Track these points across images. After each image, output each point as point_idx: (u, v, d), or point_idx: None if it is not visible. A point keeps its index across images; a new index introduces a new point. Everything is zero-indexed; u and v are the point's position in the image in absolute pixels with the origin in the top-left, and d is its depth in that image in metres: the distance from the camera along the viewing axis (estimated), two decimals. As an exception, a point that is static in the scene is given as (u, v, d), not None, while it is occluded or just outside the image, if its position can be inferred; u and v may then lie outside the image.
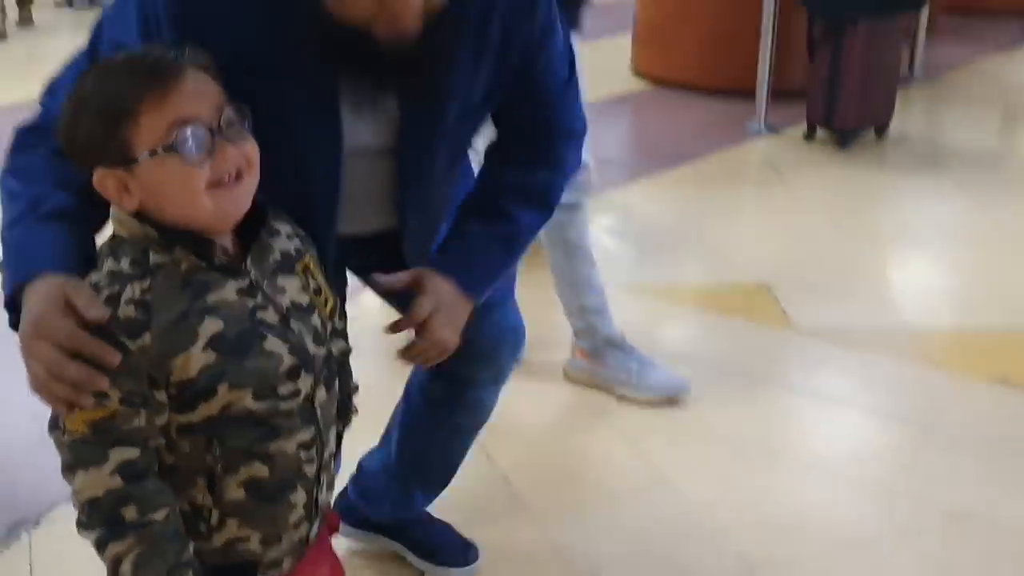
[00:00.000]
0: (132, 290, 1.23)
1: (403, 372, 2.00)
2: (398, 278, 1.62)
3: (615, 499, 2.46)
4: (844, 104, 5.13)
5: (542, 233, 2.20)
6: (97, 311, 1.21)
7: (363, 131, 1.53)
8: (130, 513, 1.23)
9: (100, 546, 1.25)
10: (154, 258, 1.25)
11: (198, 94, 1.24)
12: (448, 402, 1.99)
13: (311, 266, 1.41)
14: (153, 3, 1.39)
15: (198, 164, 1.23)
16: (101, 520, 1.24)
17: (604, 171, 4.90)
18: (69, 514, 2.36)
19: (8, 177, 1.41)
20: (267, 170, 1.32)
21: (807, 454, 2.70)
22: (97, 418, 1.22)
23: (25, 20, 7.66)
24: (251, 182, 1.29)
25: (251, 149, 1.29)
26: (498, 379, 1.98)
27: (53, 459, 2.56)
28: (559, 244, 2.89)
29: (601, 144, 5.33)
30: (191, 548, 1.28)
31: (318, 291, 1.40)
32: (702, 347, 3.27)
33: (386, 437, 2.14)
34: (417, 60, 1.40)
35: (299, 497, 1.36)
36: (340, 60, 1.41)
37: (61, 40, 7.53)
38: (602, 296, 2.94)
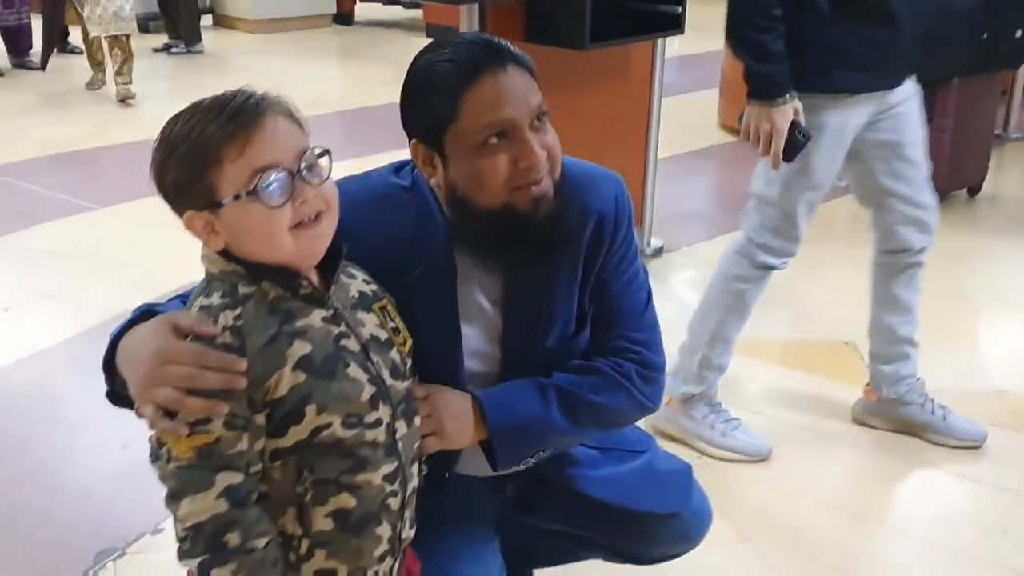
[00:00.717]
0: (225, 318, 1.29)
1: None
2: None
3: (694, 555, 2.43)
4: (936, 164, 5.03)
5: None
6: (209, 326, 1.28)
7: (476, 342, 1.64)
8: (234, 539, 1.27)
9: (203, 572, 1.28)
10: (243, 290, 1.32)
11: (280, 140, 1.30)
12: None
13: (389, 308, 1.46)
14: None
15: (279, 207, 1.29)
16: (205, 546, 1.27)
17: (689, 224, 4.91)
18: (154, 545, 2.44)
19: None
20: None
21: (892, 517, 2.64)
22: (203, 444, 1.27)
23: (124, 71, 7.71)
24: (330, 222, 1.35)
25: (330, 191, 1.34)
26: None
27: (139, 490, 2.64)
28: (729, 292, 2.87)
29: (686, 197, 5.35)
30: None
31: (396, 331, 1.45)
32: (786, 403, 3.22)
33: None
34: (556, 222, 1.54)
35: (384, 531, 1.40)
36: (490, 243, 1.55)
37: (159, 84, 7.79)
38: (727, 359, 2.92)
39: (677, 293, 4.22)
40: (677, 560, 2.37)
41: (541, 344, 1.68)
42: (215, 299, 1.31)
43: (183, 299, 1.48)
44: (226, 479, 1.27)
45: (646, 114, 4.28)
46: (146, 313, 1.40)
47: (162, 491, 2.74)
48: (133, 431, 2.92)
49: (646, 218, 4.44)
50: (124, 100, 6.96)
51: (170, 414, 1.27)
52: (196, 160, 1.28)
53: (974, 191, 5.31)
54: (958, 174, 5.14)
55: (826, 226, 5.01)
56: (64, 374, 3.43)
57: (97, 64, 7.40)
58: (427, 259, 1.55)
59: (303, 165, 1.31)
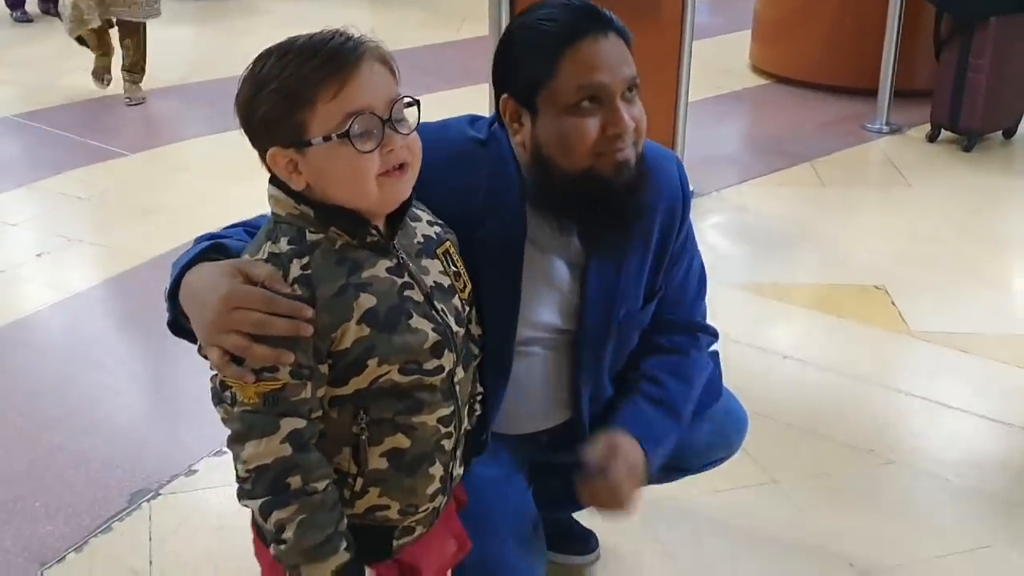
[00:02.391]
0: (294, 268, 1.29)
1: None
2: (596, 451, 1.66)
3: (723, 497, 2.44)
4: (970, 105, 4.97)
5: None
6: (282, 284, 1.28)
7: (541, 308, 1.67)
8: (296, 481, 1.29)
9: (264, 513, 1.30)
10: (310, 236, 1.32)
11: (374, 85, 1.29)
12: None
13: (452, 251, 1.46)
14: None
15: (368, 153, 1.28)
16: (268, 488, 1.29)
17: (719, 168, 4.87)
18: (187, 485, 2.47)
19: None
20: None
21: (921, 460, 2.64)
22: (269, 390, 1.28)
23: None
24: (414, 174, 1.36)
25: (416, 142, 1.34)
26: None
27: (173, 432, 2.67)
28: None
29: (717, 141, 5.30)
30: (346, 520, 1.35)
31: (457, 275, 1.46)
32: (816, 348, 3.21)
33: None
34: (635, 192, 1.57)
35: (436, 470, 1.42)
36: (571, 207, 1.57)
37: (184, 28, 7.76)
38: None
39: (706, 238, 4.19)
40: (708, 500, 2.41)
41: (614, 316, 1.71)
42: (283, 245, 1.31)
43: (247, 228, 1.48)
44: (290, 424, 1.29)
45: (676, 56, 4.23)
46: (211, 246, 1.40)
47: (195, 432, 2.79)
48: (168, 373, 2.96)
49: (676, 162, 4.40)
50: (131, 100, 5.81)
51: (236, 359, 1.28)
52: (289, 98, 1.27)
53: (1009, 133, 5.23)
54: (993, 116, 5.06)
55: (857, 169, 4.97)
56: (97, 317, 3.47)
57: (104, 54, 5.89)
58: (500, 216, 1.56)
59: (394, 112, 1.30)
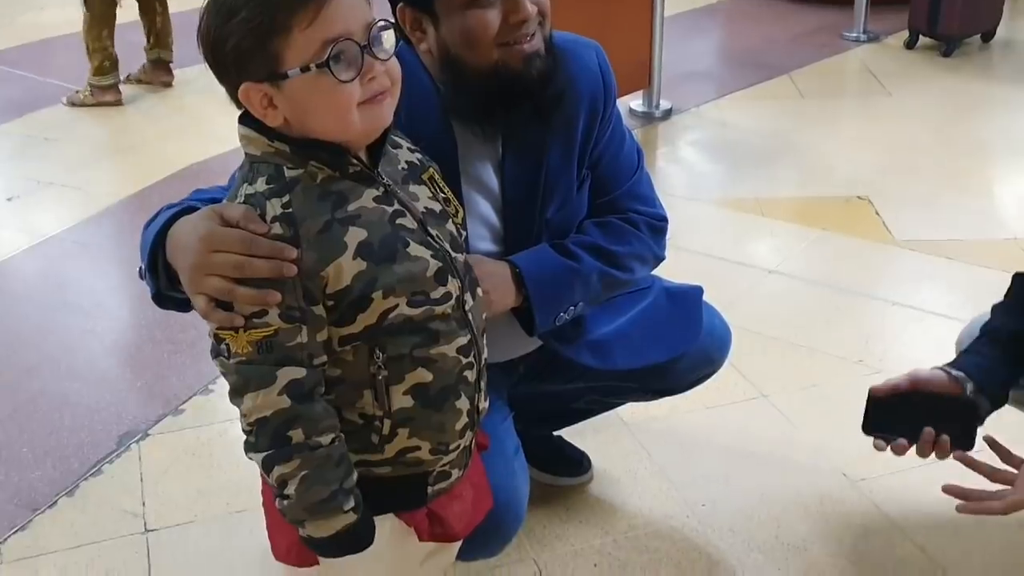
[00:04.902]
0: (273, 207, 1.23)
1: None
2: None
3: (713, 414, 2.44)
4: (948, 9, 4.92)
5: None
6: (258, 223, 1.23)
7: (480, 214, 1.65)
8: (298, 435, 1.24)
9: (267, 467, 1.26)
10: (289, 173, 1.25)
11: (351, 11, 1.22)
12: None
13: (436, 177, 1.41)
14: None
15: (350, 82, 1.22)
16: (269, 441, 1.25)
17: (695, 84, 4.82)
18: (175, 425, 2.46)
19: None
20: None
21: (906, 367, 2.62)
22: (261, 337, 1.23)
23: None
24: (395, 100, 1.29)
25: (395, 67, 1.28)
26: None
27: (158, 372, 2.65)
28: None
29: (692, 56, 5.23)
30: (355, 476, 1.30)
31: (447, 201, 1.40)
32: (801, 261, 3.20)
33: None
34: (549, 82, 1.55)
35: (463, 403, 1.37)
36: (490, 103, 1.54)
37: None
38: None
39: (685, 155, 4.16)
40: (699, 417, 2.41)
41: (541, 213, 1.68)
42: (260, 185, 1.25)
43: (211, 198, 1.42)
44: (289, 374, 1.24)
45: (650, -29, 4.17)
46: (180, 211, 1.36)
47: (180, 371, 2.77)
48: (147, 314, 2.92)
49: (654, 80, 4.35)
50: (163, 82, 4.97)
51: (225, 306, 1.23)
52: (262, 27, 1.19)
53: (988, 37, 5.19)
54: (971, 19, 5.02)
55: (836, 80, 4.93)
56: (74, 260, 3.41)
57: (103, 53, 4.75)
58: (425, 134, 1.50)
59: (372, 38, 1.23)
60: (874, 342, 2.74)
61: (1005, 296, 1.84)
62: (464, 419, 1.38)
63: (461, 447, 1.40)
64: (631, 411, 2.38)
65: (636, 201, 1.80)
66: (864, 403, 1.73)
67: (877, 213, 3.44)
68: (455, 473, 1.43)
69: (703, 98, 4.59)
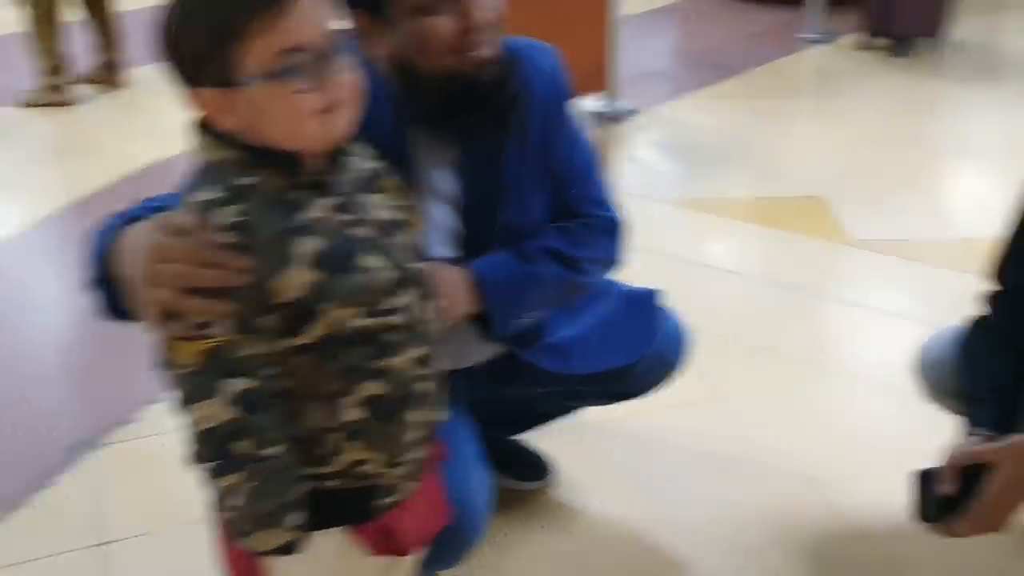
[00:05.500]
0: (224, 215, 1.20)
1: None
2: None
3: (671, 415, 2.45)
4: (900, 10, 4.98)
5: None
6: (207, 232, 1.19)
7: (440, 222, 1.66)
8: (244, 447, 1.21)
9: (214, 478, 1.23)
10: (242, 180, 1.22)
11: (311, 19, 1.19)
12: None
13: (392, 186, 1.38)
14: None
15: (308, 92, 1.19)
16: (215, 452, 1.22)
17: (650, 84, 4.83)
18: (133, 432, 2.42)
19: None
20: None
21: (862, 367, 2.67)
22: (208, 348, 1.20)
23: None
24: (355, 108, 1.26)
25: (355, 78, 1.25)
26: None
27: (119, 377, 2.60)
28: None
29: (649, 57, 5.25)
30: (303, 488, 1.27)
31: (404, 210, 1.37)
32: (757, 261, 3.22)
33: None
34: (500, 88, 1.56)
35: (417, 416, 1.34)
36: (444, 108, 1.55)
37: None
38: None
39: (642, 156, 4.18)
40: (660, 420, 2.41)
41: (499, 218, 1.69)
42: (211, 192, 1.21)
43: (158, 205, 1.39)
44: (236, 385, 1.20)
45: (606, -29, 4.18)
46: (125, 222, 1.34)
47: (135, 379, 2.73)
48: (102, 321, 2.87)
49: (610, 81, 4.36)
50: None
51: (174, 316, 1.20)
52: (219, 31, 1.17)
53: (940, 37, 5.25)
54: (923, 20, 5.08)
55: (791, 80, 4.97)
56: (29, 264, 3.36)
57: (52, 54, 4.73)
58: (380, 140, 1.46)
59: (332, 47, 1.21)
60: (830, 343, 2.77)
61: (986, 316, 1.82)
62: (418, 432, 1.36)
63: (414, 460, 1.38)
64: (592, 413, 2.37)
65: (591, 204, 1.82)
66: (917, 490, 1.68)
67: (831, 213, 3.47)
68: (408, 486, 1.39)
69: (660, 99, 4.61)
